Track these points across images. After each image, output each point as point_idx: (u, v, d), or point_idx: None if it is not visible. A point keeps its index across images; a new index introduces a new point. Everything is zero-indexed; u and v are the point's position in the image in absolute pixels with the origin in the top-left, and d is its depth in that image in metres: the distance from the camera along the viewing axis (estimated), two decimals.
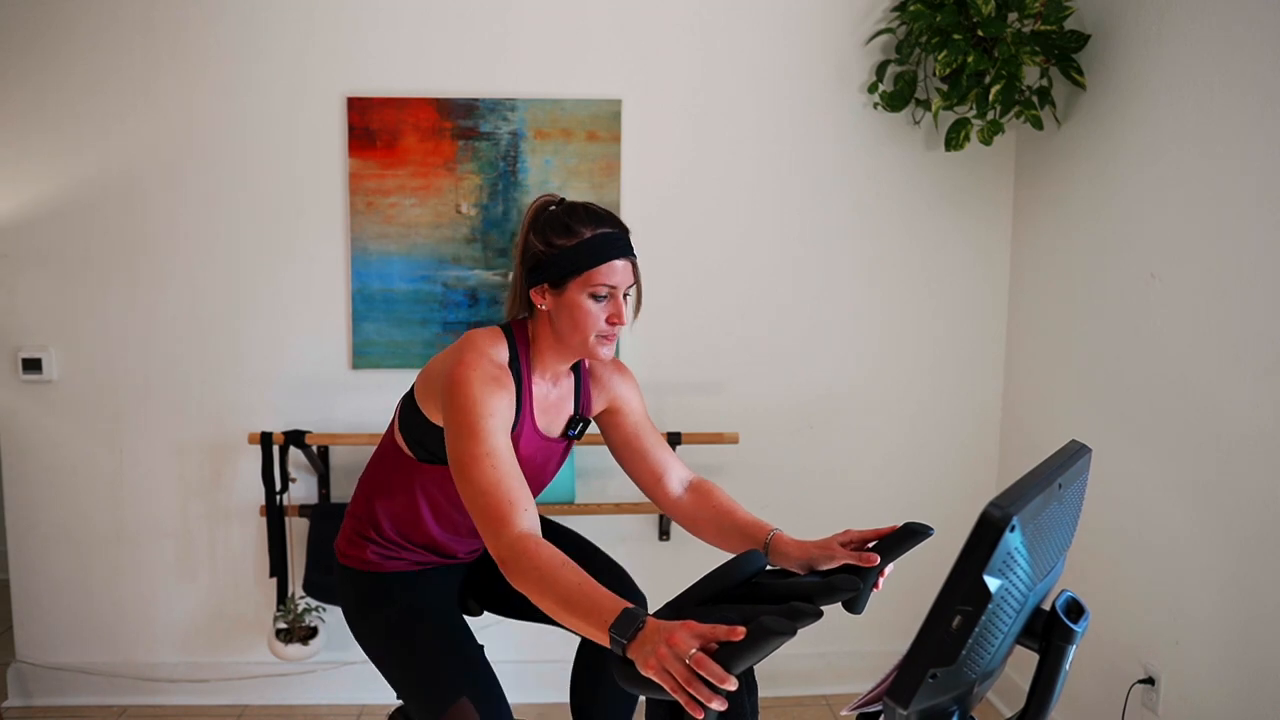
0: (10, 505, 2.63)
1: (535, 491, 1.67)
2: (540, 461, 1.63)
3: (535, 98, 2.53)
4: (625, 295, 1.51)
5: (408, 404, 1.61)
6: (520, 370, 1.53)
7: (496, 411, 1.40)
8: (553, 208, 1.53)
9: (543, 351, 1.56)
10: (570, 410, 1.65)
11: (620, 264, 1.48)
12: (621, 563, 2.67)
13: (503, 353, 1.51)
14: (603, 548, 2.66)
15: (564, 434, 1.65)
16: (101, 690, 2.68)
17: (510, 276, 1.58)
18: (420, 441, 1.58)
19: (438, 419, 1.52)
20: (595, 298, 1.47)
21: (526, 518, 1.31)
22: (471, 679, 1.55)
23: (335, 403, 2.60)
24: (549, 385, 1.60)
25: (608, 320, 1.49)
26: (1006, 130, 2.43)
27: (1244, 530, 1.81)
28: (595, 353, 1.51)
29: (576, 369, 1.66)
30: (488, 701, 1.53)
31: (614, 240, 1.48)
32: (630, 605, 1.13)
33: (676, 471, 1.66)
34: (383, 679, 1.64)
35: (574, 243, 1.46)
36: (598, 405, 1.68)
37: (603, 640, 1.13)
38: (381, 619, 1.63)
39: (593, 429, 1.76)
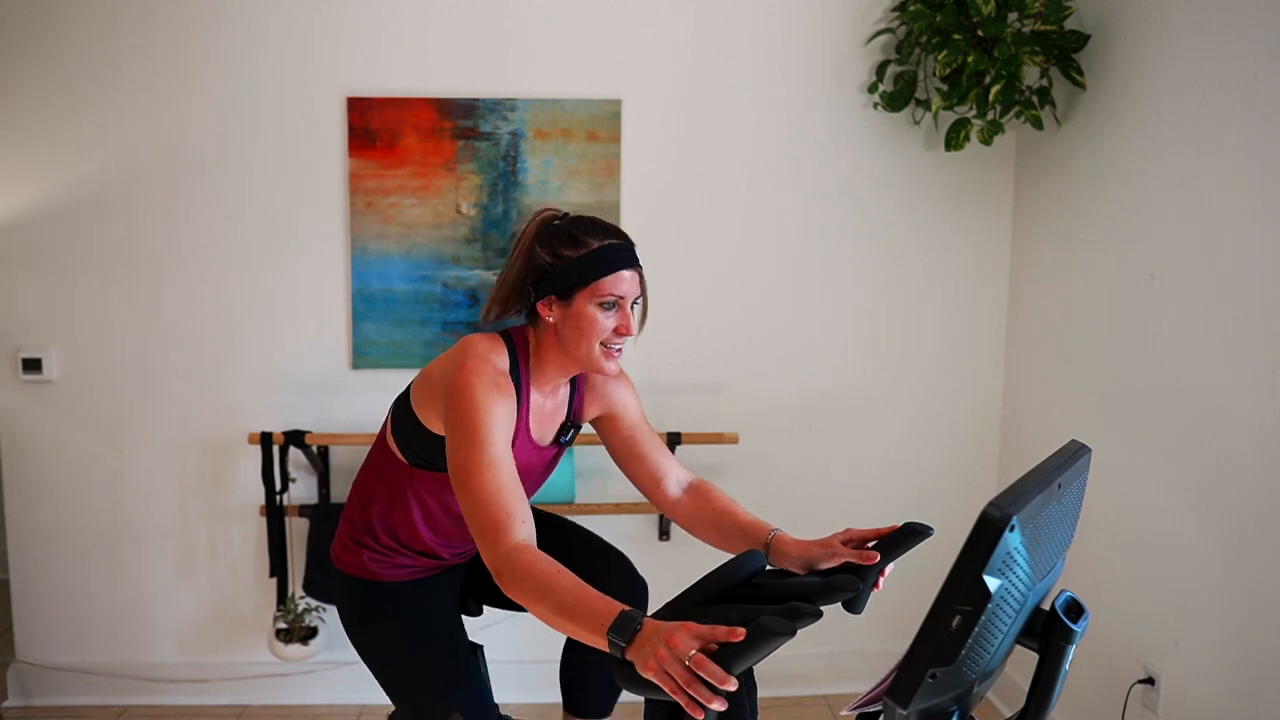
0: (10, 505, 2.63)
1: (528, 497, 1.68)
2: (532, 469, 1.62)
3: (535, 98, 2.53)
4: (632, 307, 1.50)
5: (401, 408, 1.59)
6: (520, 378, 1.52)
7: (500, 420, 1.39)
8: (556, 221, 1.51)
9: (545, 363, 1.54)
10: (563, 418, 1.64)
11: (628, 274, 1.47)
12: None
13: (503, 360, 1.50)
14: None
15: (555, 441, 1.64)
16: (101, 690, 2.68)
17: (500, 280, 1.56)
18: (412, 447, 1.57)
19: (434, 426, 1.51)
20: (603, 307, 1.46)
21: (523, 529, 1.31)
22: (466, 692, 1.57)
23: (335, 403, 2.60)
24: (546, 396, 1.59)
25: (615, 331, 1.47)
26: (1006, 130, 2.43)
27: (1244, 530, 1.81)
28: (600, 365, 1.49)
29: (572, 377, 1.65)
30: (481, 716, 1.55)
31: (621, 251, 1.47)
32: (626, 608, 1.13)
33: (675, 474, 1.65)
34: None
35: (581, 253, 1.45)
36: (591, 411, 1.67)
37: (601, 645, 1.13)
38: (377, 631, 1.64)
39: (589, 430, 1.76)
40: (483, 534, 1.31)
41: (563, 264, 1.46)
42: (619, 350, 1.51)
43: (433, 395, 1.50)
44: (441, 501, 1.60)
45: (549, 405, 1.60)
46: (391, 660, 1.62)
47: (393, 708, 1.86)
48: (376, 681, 1.64)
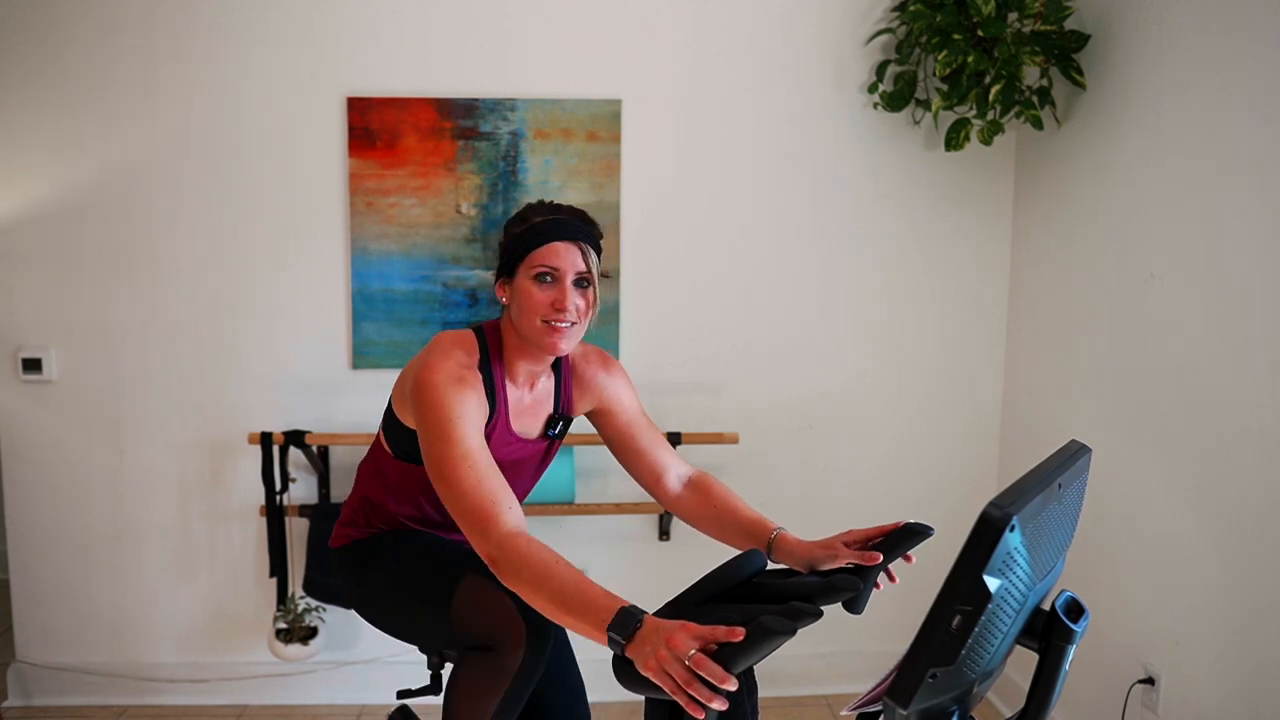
0: (10, 505, 2.63)
1: (522, 493, 1.66)
2: (521, 463, 1.62)
3: (535, 98, 2.53)
4: (582, 287, 1.48)
5: (388, 405, 1.62)
6: (491, 371, 1.52)
7: (467, 412, 1.39)
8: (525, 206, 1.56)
9: (510, 350, 1.54)
10: (550, 410, 1.63)
11: (561, 246, 1.46)
12: (621, 562, 2.70)
13: (472, 354, 1.50)
14: (603, 548, 2.68)
15: (544, 434, 1.63)
16: (101, 690, 2.68)
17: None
18: (396, 441, 1.59)
19: (409, 421, 1.52)
20: (538, 280, 1.46)
21: (512, 515, 1.30)
22: (469, 558, 1.48)
23: (335, 403, 2.60)
24: (523, 390, 1.58)
25: (553, 306, 1.45)
26: (1006, 130, 2.43)
27: (1244, 530, 1.81)
28: (545, 342, 1.47)
29: (557, 368, 1.64)
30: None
31: (562, 225, 1.47)
32: (626, 603, 1.13)
33: (675, 469, 1.65)
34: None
35: (523, 229, 1.48)
36: (584, 405, 1.66)
37: (600, 640, 1.13)
38: (373, 567, 1.64)
39: (589, 429, 1.75)
40: (471, 526, 1.30)
41: (508, 240, 1.50)
42: (563, 326, 1.47)
43: (405, 394, 1.51)
44: (428, 493, 1.60)
45: (528, 398, 1.59)
46: (390, 582, 1.60)
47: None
48: (396, 638, 1.65)
